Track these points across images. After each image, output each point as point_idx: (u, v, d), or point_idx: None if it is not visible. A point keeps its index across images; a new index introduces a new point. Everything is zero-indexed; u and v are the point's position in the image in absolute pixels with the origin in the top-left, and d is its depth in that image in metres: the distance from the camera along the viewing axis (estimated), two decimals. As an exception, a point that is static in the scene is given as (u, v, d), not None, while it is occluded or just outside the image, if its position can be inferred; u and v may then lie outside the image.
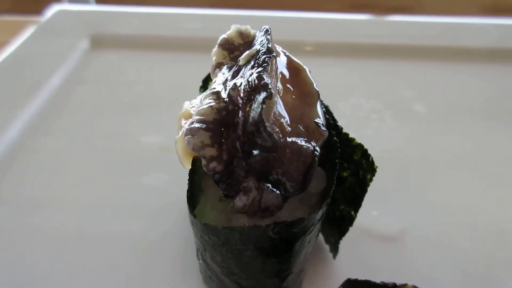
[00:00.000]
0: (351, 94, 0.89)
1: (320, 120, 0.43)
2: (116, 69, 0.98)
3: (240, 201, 0.38)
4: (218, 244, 0.41)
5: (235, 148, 0.39)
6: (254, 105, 0.37)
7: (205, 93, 0.42)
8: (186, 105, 0.45)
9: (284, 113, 0.41)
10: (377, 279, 0.42)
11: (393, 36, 1.05)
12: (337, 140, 0.44)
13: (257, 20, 1.09)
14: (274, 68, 0.42)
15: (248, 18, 1.12)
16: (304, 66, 0.47)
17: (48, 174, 0.71)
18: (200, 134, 0.38)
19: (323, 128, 0.42)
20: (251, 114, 0.37)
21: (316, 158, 0.38)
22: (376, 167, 0.45)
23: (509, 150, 0.76)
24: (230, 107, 0.39)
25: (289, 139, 0.39)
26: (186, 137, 0.38)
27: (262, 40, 0.44)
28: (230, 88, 0.40)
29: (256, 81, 0.39)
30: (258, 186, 0.38)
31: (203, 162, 0.38)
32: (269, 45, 0.43)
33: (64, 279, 0.56)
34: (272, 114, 0.39)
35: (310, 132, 0.41)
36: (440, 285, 0.55)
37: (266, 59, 0.41)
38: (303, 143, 0.39)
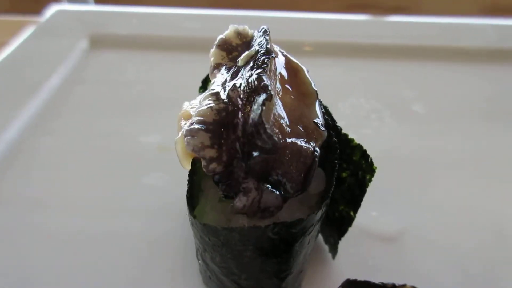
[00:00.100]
0: (350, 94, 0.89)
1: (319, 120, 0.43)
2: (115, 69, 0.98)
3: (240, 201, 0.38)
4: (217, 244, 0.41)
5: (234, 149, 0.39)
6: (254, 107, 0.38)
7: (204, 94, 0.42)
8: (186, 105, 0.45)
9: (283, 113, 0.41)
10: (376, 280, 0.42)
11: (392, 36, 1.05)
12: (337, 141, 0.44)
13: (255, 20, 1.09)
14: (273, 69, 0.42)
15: (246, 18, 1.12)
16: (302, 66, 0.47)
17: (47, 174, 0.71)
18: (200, 135, 0.38)
19: (322, 128, 0.42)
20: (251, 116, 0.38)
21: (316, 159, 0.38)
22: (375, 167, 0.45)
23: (508, 150, 0.76)
24: (230, 108, 0.40)
25: (288, 140, 0.39)
26: (186, 138, 0.38)
27: (261, 41, 0.44)
28: (230, 89, 0.40)
29: (255, 83, 0.39)
30: (258, 187, 0.38)
31: (203, 163, 0.38)
32: (268, 46, 0.43)
33: (64, 279, 0.56)
34: (272, 115, 0.39)
35: (309, 133, 0.41)
36: (439, 286, 0.55)
37: (266, 60, 0.41)
38: (302, 143, 0.39)
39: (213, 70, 0.46)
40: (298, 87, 0.45)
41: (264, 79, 0.39)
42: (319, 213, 0.42)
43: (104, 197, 0.67)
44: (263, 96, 0.37)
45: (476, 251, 0.59)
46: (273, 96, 0.38)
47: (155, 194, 0.67)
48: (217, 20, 1.11)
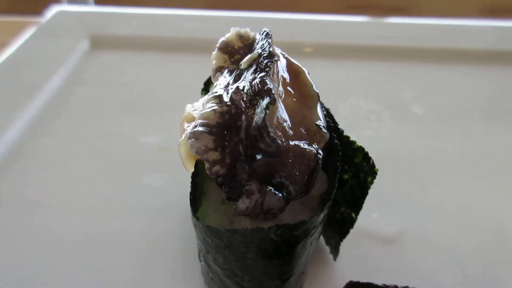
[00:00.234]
0: (350, 95, 0.89)
1: (321, 122, 0.43)
2: (115, 70, 0.98)
3: (243, 204, 0.38)
4: (220, 246, 0.41)
5: (237, 151, 0.39)
6: (258, 110, 0.38)
7: (207, 97, 0.42)
8: (188, 108, 0.45)
9: (285, 116, 0.41)
10: (378, 281, 0.42)
11: (392, 37, 1.05)
12: (338, 143, 0.44)
13: (255, 21, 1.10)
14: (275, 72, 0.42)
15: (246, 19, 1.12)
16: (303, 68, 0.47)
17: (48, 175, 0.71)
18: (203, 138, 0.38)
19: (324, 130, 0.42)
20: (255, 119, 0.38)
21: (320, 161, 0.39)
22: (377, 170, 0.46)
23: (508, 150, 0.76)
24: (233, 110, 0.40)
25: (291, 143, 0.39)
26: (190, 140, 0.39)
27: (263, 44, 0.44)
28: (233, 92, 0.40)
29: (259, 86, 0.39)
30: (261, 189, 0.39)
31: (206, 165, 0.39)
32: (271, 49, 0.43)
33: (64, 279, 0.56)
34: (275, 118, 0.39)
35: (312, 135, 0.42)
36: (441, 286, 0.55)
37: (269, 63, 0.41)
38: (305, 146, 0.39)
39: (215, 73, 0.46)
40: (300, 89, 0.45)
41: (268, 82, 0.39)
42: (322, 215, 0.42)
43: (104, 197, 0.67)
44: (266, 100, 0.38)
45: (478, 252, 0.59)
46: (276, 100, 0.38)
47: (155, 194, 0.67)
48: (217, 21, 1.11)
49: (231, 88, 0.41)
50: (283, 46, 0.50)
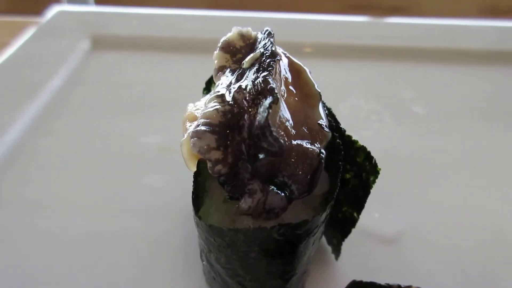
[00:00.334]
0: (351, 95, 0.90)
1: (323, 121, 0.43)
2: (116, 70, 0.98)
3: (245, 203, 0.39)
4: (223, 245, 0.41)
5: (240, 151, 0.39)
6: (260, 109, 0.38)
7: (209, 96, 0.42)
8: (190, 107, 0.45)
9: (288, 115, 0.41)
10: (379, 280, 0.42)
11: (392, 37, 1.05)
12: (341, 143, 0.44)
13: (255, 21, 1.10)
14: (278, 71, 0.43)
15: (246, 19, 1.12)
16: (305, 67, 0.47)
17: (48, 175, 0.71)
18: (206, 137, 0.38)
19: (327, 129, 0.42)
20: (257, 118, 0.38)
21: (322, 161, 0.39)
22: (380, 169, 0.46)
23: (508, 150, 0.76)
24: (235, 110, 0.40)
25: (294, 142, 0.39)
26: (192, 139, 0.39)
27: (265, 43, 0.44)
28: (235, 91, 0.40)
29: (262, 85, 0.39)
30: (263, 188, 0.39)
31: (209, 165, 0.39)
32: (273, 49, 0.43)
33: (64, 279, 0.56)
34: (278, 118, 0.39)
35: (314, 134, 0.42)
36: (442, 286, 0.55)
37: (271, 63, 0.41)
38: (308, 145, 0.39)
39: (217, 73, 0.46)
40: (301, 88, 0.45)
41: (270, 81, 0.39)
42: (324, 215, 0.42)
43: (104, 197, 0.67)
44: (269, 99, 0.38)
45: (479, 252, 0.59)
46: (279, 99, 0.38)
47: (155, 194, 0.67)
48: (217, 21, 1.11)
49: (234, 88, 0.41)
50: (283, 46, 0.50)
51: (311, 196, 0.41)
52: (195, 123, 0.40)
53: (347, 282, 0.44)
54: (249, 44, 0.48)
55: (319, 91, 0.45)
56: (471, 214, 0.64)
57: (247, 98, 0.39)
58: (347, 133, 0.48)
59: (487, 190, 0.69)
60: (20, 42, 1.01)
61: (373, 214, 0.63)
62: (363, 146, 0.47)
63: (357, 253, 0.58)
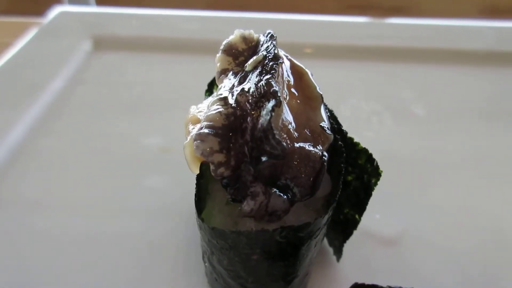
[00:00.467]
0: (351, 96, 0.90)
1: (325, 124, 0.43)
2: (117, 71, 0.98)
3: (248, 205, 0.39)
4: (225, 247, 0.41)
5: (243, 153, 0.39)
6: (263, 112, 0.38)
7: (212, 99, 0.42)
8: (193, 110, 0.45)
9: (290, 118, 0.41)
10: (381, 282, 0.42)
11: (392, 38, 1.05)
12: (342, 145, 0.45)
13: (255, 22, 1.10)
14: (280, 74, 0.43)
15: (246, 20, 1.12)
16: (306, 69, 0.47)
17: (49, 175, 0.71)
18: (209, 140, 0.39)
19: (329, 132, 0.42)
20: (260, 121, 0.38)
21: (325, 163, 0.39)
22: (381, 171, 0.46)
23: (508, 150, 0.76)
24: (238, 112, 0.40)
25: (296, 145, 0.39)
26: (195, 142, 0.39)
27: (268, 46, 0.45)
28: (238, 94, 0.41)
29: (265, 88, 0.39)
30: (266, 191, 0.39)
31: (211, 167, 0.39)
32: (276, 51, 0.43)
33: (64, 279, 0.56)
34: (280, 121, 0.39)
35: (316, 136, 0.42)
36: (441, 287, 0.55)
37: (274, 65, 0.41)
38: (310, 148, 0.40)
39: (220, 76, 0.46)
40: (303, 90, 0.46)
41: (273, 84, 0.39)
42: (326, 217, 0.42)
43: (104, 197, 0.67)
44: (272, 102, 0.38)
45: (480, 253, 0.59)
46: (282, 102, 0.38)
47: (155, 195, 0.67)
48: (218, 22, 1.11)
49: (236, 90, 0.41)
50: (283, 47, 0.50)
51: (313, 198, 0.42)
52: (198, 125, 0.40)
53: (349, 283, 0.44)
54: (252, 46, 0.48)
55: (321, 93, 0.46)
56: (471, 214, 0.65)
57: (250, 101, 0.40)
58: (348, 135, 0.48)
59: (487, 190, 0.69)
60: (22, 42, 1.01)
61: (374, 215, 0.63)
62: (364, 148, 0.47)
63: (359, 255, 0.58)
